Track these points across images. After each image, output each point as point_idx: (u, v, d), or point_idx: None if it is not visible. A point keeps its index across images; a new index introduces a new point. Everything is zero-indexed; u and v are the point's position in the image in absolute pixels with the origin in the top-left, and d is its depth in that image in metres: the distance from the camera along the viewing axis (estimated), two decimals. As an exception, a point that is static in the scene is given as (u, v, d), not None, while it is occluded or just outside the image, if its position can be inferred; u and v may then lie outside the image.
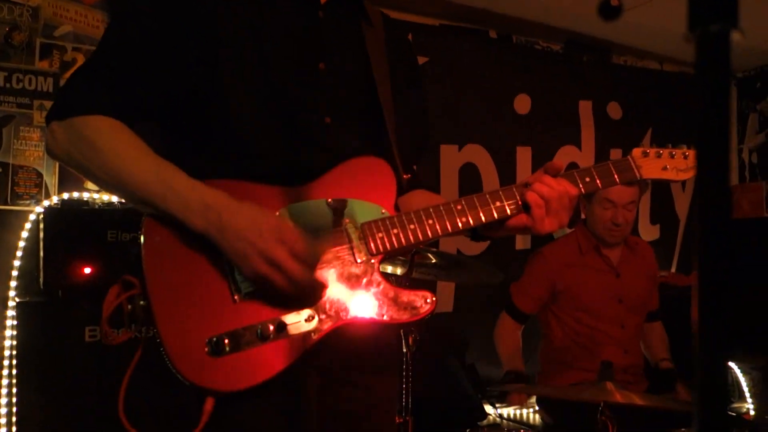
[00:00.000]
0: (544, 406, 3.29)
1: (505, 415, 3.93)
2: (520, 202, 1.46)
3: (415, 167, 1.71)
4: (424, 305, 1.39)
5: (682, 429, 2.59)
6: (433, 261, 2.57)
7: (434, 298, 1.40)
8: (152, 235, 1.33)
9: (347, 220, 1.40)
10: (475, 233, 1.56)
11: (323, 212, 1.40)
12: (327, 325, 1.35)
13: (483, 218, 1.46)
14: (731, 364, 4.58)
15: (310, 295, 1.33)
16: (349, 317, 1.36)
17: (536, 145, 4.28)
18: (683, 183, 5.03)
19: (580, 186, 1.50)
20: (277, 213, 1.37)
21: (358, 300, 1.37)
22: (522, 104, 4.26)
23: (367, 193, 1.44)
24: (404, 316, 1.39)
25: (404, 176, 1.58)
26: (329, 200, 1.41)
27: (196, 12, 1.40)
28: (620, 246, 3.34)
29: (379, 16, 1.64)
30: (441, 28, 3.97)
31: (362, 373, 1.49)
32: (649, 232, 4.74)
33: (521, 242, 4.20)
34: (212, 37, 1.39)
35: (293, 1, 1.49)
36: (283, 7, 1.47)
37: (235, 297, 1.32)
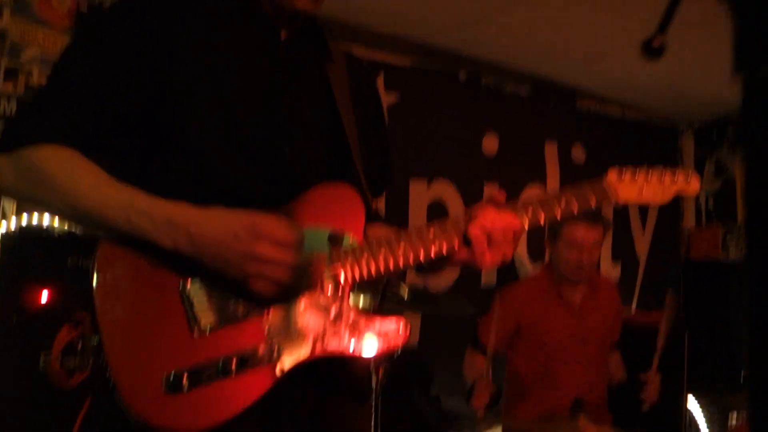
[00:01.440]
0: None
1: (469, 448, 3.97)
2: (458, 238, 1.40)
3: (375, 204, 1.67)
4: (397, 336, 1.35)
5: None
6: (405, 295, 2.61)
7: (408, 329, 1.36)
8: (106, 263, 1.27)
9: (315, 250, 1.35)
10: (419, 266, 1.50)
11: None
12: (292, 360, 1.29)
13: (432, 253, 1.41)
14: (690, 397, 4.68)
15: (309, 274, 1.30)
16: (316, 351, 1.31)
17: (503, 183, 4.31)
18: (643, 223, 5.19)
19: (556, 211, 1.43)
20: None
21: (327, 332, 1.32)
22: (490, 144, 4.34)
23: (335, 220, 1.40)
24: (377, 348, 1.34)
25: (374, 205, 1.57)
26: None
27: (155, 41, 1.37)
28: (583, 286, 3.41)
29: (342, 55, 1.62)
30: (411, 69, 4.09)
31: (334, 408, 1.44)
32: (611, 270, 4.85)
33: (486, 278, 4.28)
34: (169, 66, 1.36)
35: (254, 35, 1.47)
36: (244, 41, 1.45)
37: (194, 331, 1.27)
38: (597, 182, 1.50)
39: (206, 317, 1.28)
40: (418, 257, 1.40)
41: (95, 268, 1.27)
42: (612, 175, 1.50)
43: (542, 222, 1.45)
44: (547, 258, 3.46)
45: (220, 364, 1.26)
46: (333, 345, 1.32)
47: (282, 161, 1.44)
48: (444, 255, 1.41)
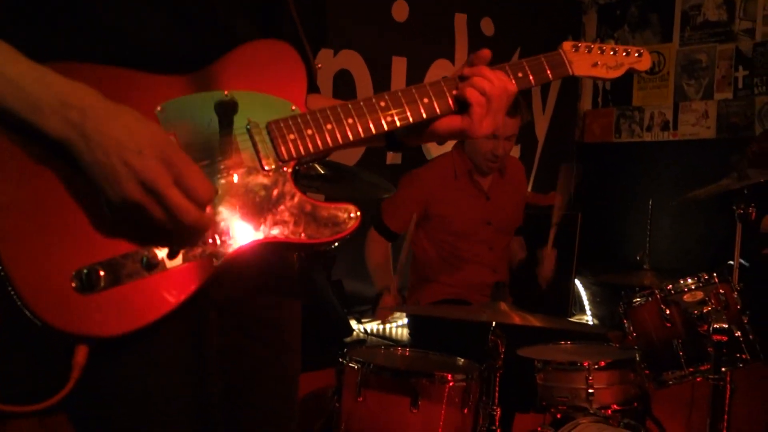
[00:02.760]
0: (417, 322, 3.27)
1: (371, 331, 3.90)
2: (451, 100, 1.27)
3: (320, 65, 1.45)
4: (348, 220, 1.17)
5: (567, 341, 2.68)
6: (321, 172, 2.37)
7: (359, 213, 1.18)
8: None
9: (250, 119, 1.14)
10: (392, 141, 1.35)
11: (217, 108, 1.11)
12: (231, 249, 1.09)
13: (410, 117, 1.25)
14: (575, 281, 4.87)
15: (190, 236, 1.05)
16: (258, 237, 1.11)
17: (411, 57, 4.17)
18: (543, 105, 5.15)
19: (513, 82, 1.32)
20: (158, 108, 1.07)
21: (267, 216, 1.12)
22: (400, 11, 4.08)
23: (273, 85, 1.17)
24: (325, 233, 1.15)
25: (316, 66, 1.32)
26: (226, 92, 1.12)
27: None
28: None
29: None
30: None
31: (266, 307, 1.27)
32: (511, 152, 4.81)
33: (391, 158, 4.08)
34: None
35: None
36: None
37: (111, 214, 1.02)
38: (552, 54, 1.41)
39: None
40: (393, 123, 1.23)
41: None
42: (567, 46, 1.42)
43: (530, 85, 1.36)
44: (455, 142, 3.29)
45: (145, 257, 1.03)
46: (276, 230, 1.13)
47: (203, 10, 1.16)
48: (424, 120, 1.26)
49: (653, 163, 5.17)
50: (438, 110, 1.27)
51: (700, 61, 5.03)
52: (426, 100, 1.26)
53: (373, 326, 3.93)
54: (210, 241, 1.07)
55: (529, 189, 4.97)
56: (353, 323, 3.72)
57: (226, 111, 1.11)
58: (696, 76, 5.05)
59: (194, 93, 1.11)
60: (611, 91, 5.44)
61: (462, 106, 1.27)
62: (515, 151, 4.87)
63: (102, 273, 1.00)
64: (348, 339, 3.59)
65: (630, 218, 4.98)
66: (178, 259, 1.05)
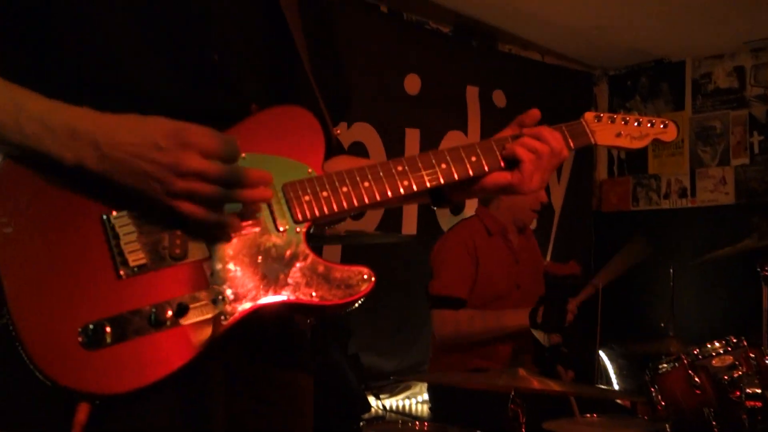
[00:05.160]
0: (437, 394, 3.16)
1: (389, 407, 3.79)
2: (500, 157, 1.29)
3: (338, 131, 1.46)
4: (361, 282, 1.14)
5: (594, 414, 2.56)
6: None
7: (374, 277, 1.14)
8: (6, 188, 1.00)
9: None
10: (438, 197, 1.34)
11: None
12: (242, 308, 1.06)
13: (427, 183, 1.23)
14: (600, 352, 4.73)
15: (246, 192, 1.06)
16: (269, 298, 1.08)
17: (424, 129, 4.19)
18: (558, 174, 5.14)
19: (568, 143, 1.34)
20: None
21: (280, 277, 1.10)
22: (412, 84, 4.14)
23: (289, 149, 1.17)
24: (337, 295, 1.13)
25: (335, 132, 1.32)
26: (243, 155, 1.11)
27: None
28: (518, 231, 3.27)
29: None
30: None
31: (278, 371, 1.24)
32: (528, 221, 4.79)
33: (407, 227, 4.07)
34: None
35: None
36: None
37: (121, 272, 1.01)
38: (574, 124, 1.41)
39: (135, 255, 1.02)
40: (409, 187, 1.21)
41: None
42: (589, 116, 1.42)
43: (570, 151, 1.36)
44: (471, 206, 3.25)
45: (153, 313, 1.01)
46: (288, 291, 1.10)
47: (212, 73, 1.17)
48: (471, 178, 1.26)
49: (673, 231, 5.11)
50: (486, 167, 1.28)
51: (714, 127, 5.03)
52: (474, 159, 1.27)
53: (392, 402, 3.81)
54: (220, 297, 1.05)
55: (548, 259, 4.92)
56: (371, 399, 3.61)
57: None
58: (711, 142, 5.04)
59: None
60: (626, 160, 5.43)
61: (510, 163, 1.28)
62: (532, 223, 4.84)
63: (108, 329, 0.98)
64: (366, 415, 3.48)
65: (652, 286, 4.87)
66: (187, 317, 1.02)
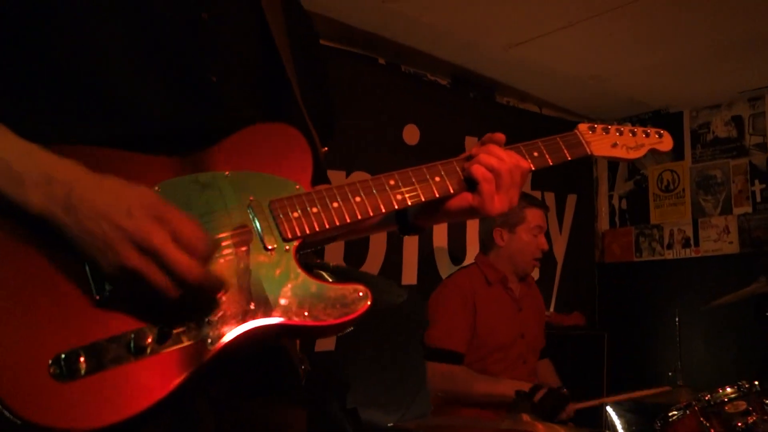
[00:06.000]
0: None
1: (390, 463, 3.65)
2: (462, 177, 1.25)
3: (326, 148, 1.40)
4: (357, 301, 1.07)
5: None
6: (327, 276, 2.28)
7: (370, 293, 1.08)
8: None
9: (251, 198, 1.08)
10: (405, 223, 1.32)
11: (220, 188, 1.06)
12: (229, 332, 0.98)
13: (421, 196, 1.21)
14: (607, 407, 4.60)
15: (199, 300, 0.96)
16: (258, 320, 1.01)
17: None
18: (560, 226, 5.10)
19: (529, 161, 1.31)
20: (156, 188, 1.01)
21: (270, 298, 1.03)
22: (411, 134, 4.13)
23: (276, 166, 1.13)
24: (332, 315, 1.06)
25: (322, 150, 1.29)
26: (227, 173, 1.08)
27: None
28: (518, 280, 3.22)
29: None
30: (331, 49, 3.78)
31: (267, 405, 1.18)
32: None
33: (407, 277, 4.00)
34: None
35: None
36: None
37: (97, 296, 0.94)
38: (569, 135, 1.40)
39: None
40: (408, 201, 1.19)
41: None
42: (583, 127, 1.42)
43: (547, 164, 1.33)
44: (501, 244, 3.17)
45: (132, 340, 0.93)
46: (278, 312, 1.03)
47: (207, 93, 1.15)
48: (437, 199, 1.22)
49: (678, 280, 5.04)
50: (450, 189, 1.24)
51: (714, 176, 5.02)
52: (438, 179, 1.23)
53: (393, 458, 3.68)
54: (206, 320, 0.98)
55: (551, 310, 4.83)
56: (371, 455, 3.49)
57: (235, 187, 1.07)
58: (712, 191, 5.02)
59: (192, 174, 1.07)
60: (628, 210, 5.40)
61: (471, 184, 1.24)
62: (534, 273, 4.78)
63: (82, 358, 0.90)
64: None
65: (658, 336, 4.78)
66: (169, 343, 0.95)
